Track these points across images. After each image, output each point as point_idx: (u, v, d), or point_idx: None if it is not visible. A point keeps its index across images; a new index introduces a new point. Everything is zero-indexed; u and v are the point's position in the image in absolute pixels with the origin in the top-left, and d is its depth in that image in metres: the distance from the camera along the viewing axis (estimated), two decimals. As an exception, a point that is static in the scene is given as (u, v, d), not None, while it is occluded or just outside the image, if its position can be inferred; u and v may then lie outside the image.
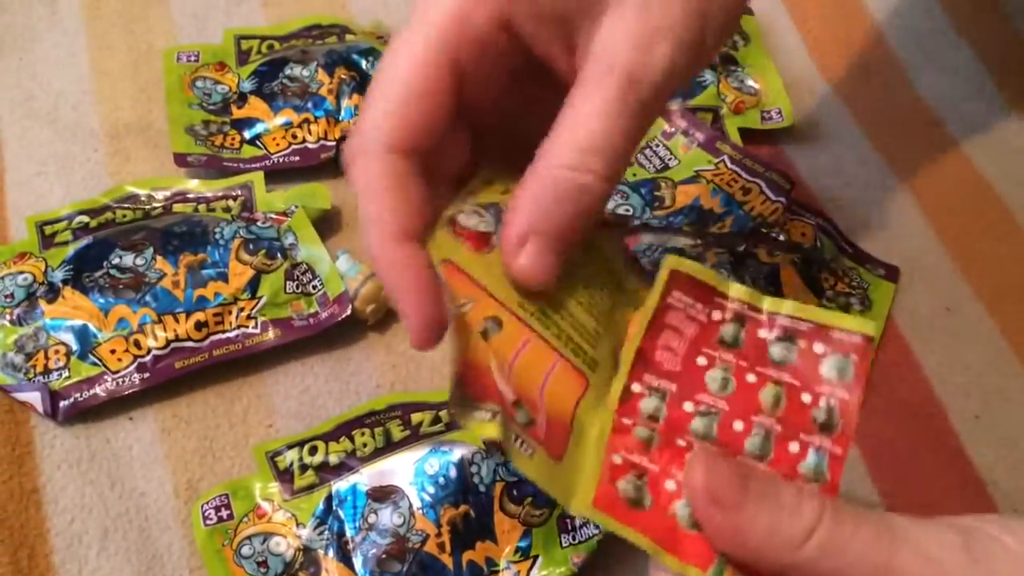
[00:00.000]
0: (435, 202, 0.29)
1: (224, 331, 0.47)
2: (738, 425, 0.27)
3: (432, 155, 0.28)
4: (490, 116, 0.30)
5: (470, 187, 0.30)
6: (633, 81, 0.26)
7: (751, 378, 0.28)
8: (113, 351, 0.46)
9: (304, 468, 0.43)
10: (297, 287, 0.49)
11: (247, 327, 0.47)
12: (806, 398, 0.27)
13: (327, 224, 0.52)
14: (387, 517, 0.42)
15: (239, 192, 0.52)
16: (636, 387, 0.28)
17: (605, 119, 0.26)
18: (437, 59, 0.27)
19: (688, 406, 0.28)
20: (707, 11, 0.27)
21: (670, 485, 0.27)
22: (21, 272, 0.48)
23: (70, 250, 0.48)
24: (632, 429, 0.28)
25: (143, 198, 0.52)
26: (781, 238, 0.52)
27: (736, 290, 0.29)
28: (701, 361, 0.28)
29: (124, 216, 0.51)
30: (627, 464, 0.27)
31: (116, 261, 0.47)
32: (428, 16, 0.28)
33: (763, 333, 0.28)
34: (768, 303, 0.29)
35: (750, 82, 0.58)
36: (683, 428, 0.28)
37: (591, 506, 0.26)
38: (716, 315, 0.29)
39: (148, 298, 0.47)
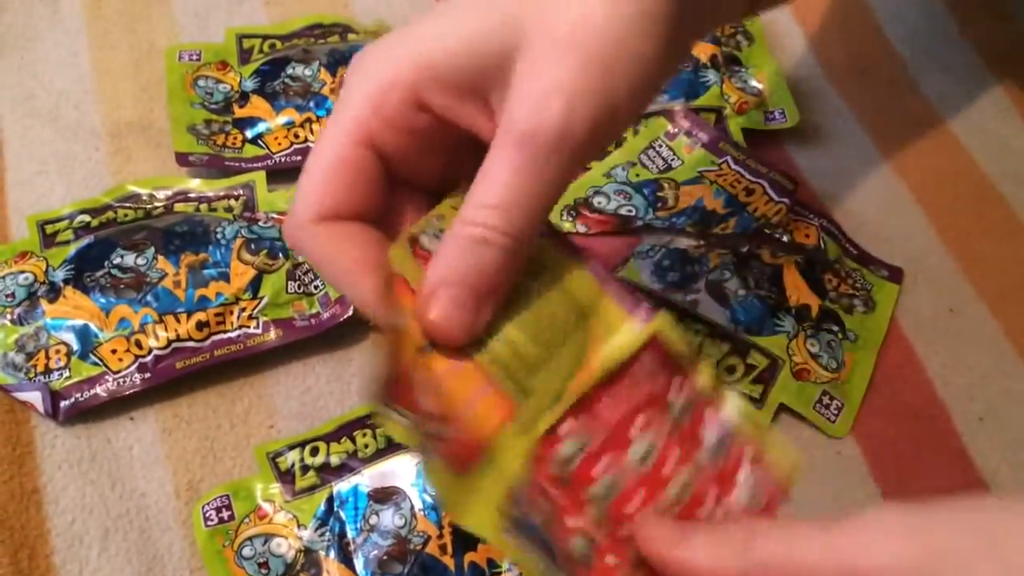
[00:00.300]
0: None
1: (225, 331, 0.47)
2: (635, 502, 0.28)
3: (371, 222, 0.31)
4: (431, 178, 0.32)
5: (439, 209, 0.31)
6: (527, 139, 0.27)
7: (670, 464, 0.29)
8: (114, 351, 0.46)
9: (305, 469, 0.43)
10: (299, 287, 0.48)
11: (249, 327, 0.47)
12: (709, 504, 0.29)
13: (329, 224, 0.52)
14: (389, 518, 0.41)
15: (241, 192, 0.52)
16: (564, 428, 0.29)
17: (503, 177, 0.28)
18: (354, 140, 0.30)
19: (600, 465, 0.29)
20: (610, 64, 0.28)
21: (570, 522, 0.28)
22: (22, 271, 0.48)
23: (71, 249, 0.48)
24: (546, 465, 0.28)
25: (144, 197, 0.52)
26: (785, 239, 0.52)
27: (703, 378, 0.30)
28: (635, 428, 0.29)
29: (125, 215, 0.51)
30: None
31: (117, 261, 0.47)
32: (348, 103, 0.30)
33: (705, 430, 0.29)
34: (726, 405, 0.29)
35: (753, 82, 0.58)
36: (586, 483, 0.28)
37: (495, 531, 0.27)
38: (672, 393, 0.29)
39: (149, 298, 0.46)
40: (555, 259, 0.31)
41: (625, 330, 0.30)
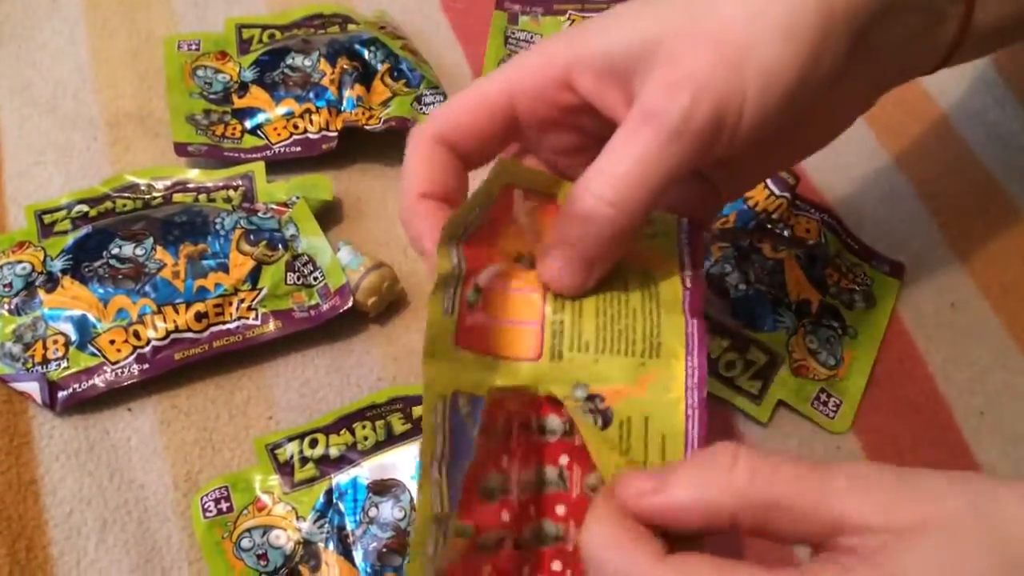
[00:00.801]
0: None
1: (224, 322, 0.46)
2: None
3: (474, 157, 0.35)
4: (551, 152, 0.36)
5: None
6: (651, 121, 0.30)
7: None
8: (112, 341, 0.45)
9: (304, 461, 0.43)
10: (298, 279, 0.48)
11: (247, 318, 0.47)
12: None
13: (328, 215, 0.52)
14: (388, 510, 0.41)
15: (240, 182, 0.52)
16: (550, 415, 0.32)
17: (624, 151, 0.30)
18: (497, 96, 0.33)
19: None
20: (741, 64, 0.30)
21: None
22: (20, 261, 0.47)
23: (69, 239, 0.48)
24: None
25: (143, 188, 0.52)
26: (785, 233, 0.51)
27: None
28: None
29: (124, 206, 0.50)
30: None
31: (116, 251, 0.47)
32: (505, 69, 0.34)
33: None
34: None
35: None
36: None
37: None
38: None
39: (148, 288, 0.46)
40: (667, 255, 0.35)
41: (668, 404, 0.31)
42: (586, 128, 0.34)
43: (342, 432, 0.44)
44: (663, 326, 0.32)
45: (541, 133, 0.35)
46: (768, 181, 0.53)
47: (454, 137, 0.34)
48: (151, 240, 0.47)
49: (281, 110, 0.55)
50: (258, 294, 0.47)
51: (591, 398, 0.31)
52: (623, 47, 0.31)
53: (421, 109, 0.55)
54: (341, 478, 0.42)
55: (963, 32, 0.37)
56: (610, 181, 0.30)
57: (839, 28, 0.31)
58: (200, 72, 0.56)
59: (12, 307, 0.46)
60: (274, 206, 0.51)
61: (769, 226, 0.51)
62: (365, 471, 0.42)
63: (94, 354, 0.45)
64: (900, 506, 0.25)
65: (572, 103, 0.33)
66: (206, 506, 0.42)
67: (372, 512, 0.41)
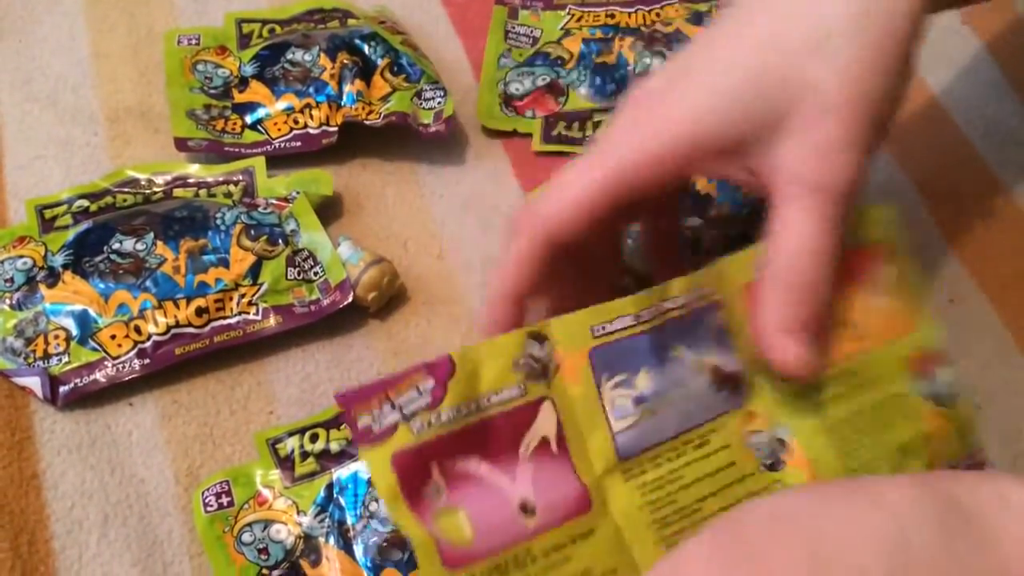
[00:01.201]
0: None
1: (225, 317, 0.47)
2: None
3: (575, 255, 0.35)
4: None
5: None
6: (818, 190, 0.31)
7: None
8: (113, 336, 0.45)
9: (305, 455, 0.43)
10: (298, 273, 0.48)
11: (248, 313, 0.47)
12: None
13: (329, 210, 0.52)
14: None
15: (240, 177, 0.52)
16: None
17: (803, 227, 0.31)
18: (610, 189, 0.33)
19: None
20: (876, 114, 0.31)
21: None
22: (21, 256, 0.48)
23: (70, 234, 0.48)
24: None
25: (143, 183, 0.52)
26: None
27: None
28: None
29: (124, 200, 0.50)
30: None
31: (116, 246, 0.47)
32: (613, 145, 0.33)
33: None
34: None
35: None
36: None
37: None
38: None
39: (148, 283, 0.46)
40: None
41: None
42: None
43: (343, 427, 0.44)
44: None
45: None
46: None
47: (561, 237, 0.33)
48: (152, 235, 0.48)
49: (281, 105, 0.55)
50: (258, 289, 0.47)
51: None
52: (737, 121, 0.32)
53: (421, 104, 0.55)
54: (342, 472, 0.42)
55: None
56: (799, 258, 0.32)
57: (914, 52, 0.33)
58: (200, 67, 0.57)
59: (13, 302, 0.46)
60: (274, 201, 0.51)
61: (763, 215, 0.51)
62: (365, 466, 0.42)
63: (95, 349, 0.45)
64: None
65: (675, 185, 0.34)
66: (207, 500, 0.42)
67: (372, 506, 0.41)
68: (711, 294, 0.34)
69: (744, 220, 0.51)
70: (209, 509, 0.42)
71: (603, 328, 0.32)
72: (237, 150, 0.53)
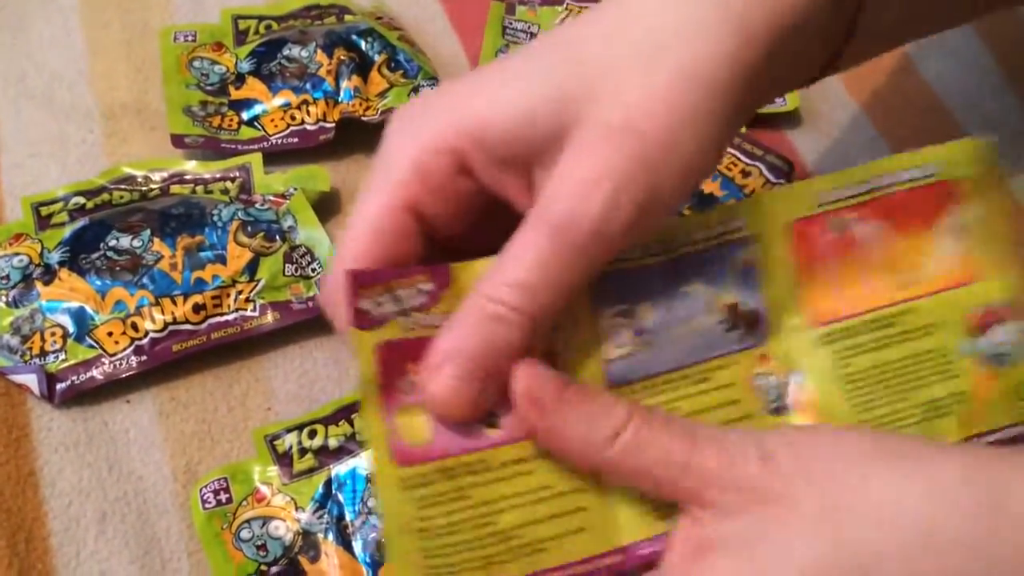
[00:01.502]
0: None
1: (222, 314, 0.46)
2: None
3: None
4: (468, 238, 0.32)
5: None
6: (562, 228, 0.27)
7: None
8: (110, 333, 0.45)
9: (303, 452, 0.43)
10: (296, 270, 0.48)
11: (245, 310, 0.47)
12: None
13: (325, 207, 0.52)
14: None
15: (237, 174, 0.52)
16: None
17: (530, 259, 0.27)
18: (396, 205, 0.30)
19: None
20: (662, 159, 0.28)
21: None
22: (17, 254, 0.47)
23: (66, 231, 0.48)
24: None
25: (140, 179, 0.52)
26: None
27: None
28: None
29: (121, 198, 0.50)
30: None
31: (113, 243, 0.47)
32: (392, 164, 0.30)
33: None
34: None
35: (752, 65, 0.58)
36: None
37: None
38: None
39: (145, 280, 0.46)
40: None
41: None
42: (493, 211, 0.31)
43: (341, 423, 0.44)
44: None
45: (455, 226, 0.32)
46: (763, 168, 0.53)
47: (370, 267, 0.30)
48: (148, 232, 0.47)
49: (278, 101, 0.55)
50: (256, 285, 0.47)
51: None
52: (522, 128, 0.29)
53: (418, 100, 0.55)
54: (340, 469, 0.42)
55: (844, 44, 0.35)
56: (517, 291, 0.27)
57: (747, 103, 0.30)
58: (196, 63, 0.56)
59: (9, 299, 0.46)
60: (272, 197, 0.51)
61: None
62: (364, 461, 0.42)
63: (92, 346, 0.45)
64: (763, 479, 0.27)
65: (470, 190, 0.30)
66: (205, 497, 0.42)
67: (371, 503, 0.41)
68: (740, 228, 0.32)
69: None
70: (207, 506, 0.42)
71: None
72: (234, 146, 0.53)
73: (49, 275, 0.46)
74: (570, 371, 0.31)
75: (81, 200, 0.50)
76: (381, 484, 0.29)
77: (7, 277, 0.47)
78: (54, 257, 0.47)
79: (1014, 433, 0.33)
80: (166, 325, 0.45)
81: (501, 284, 0.28)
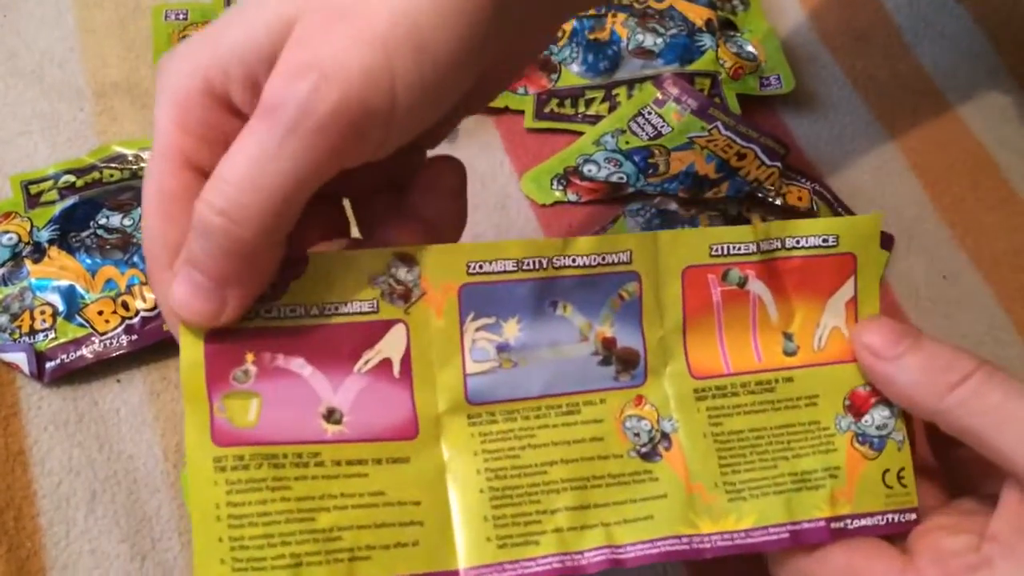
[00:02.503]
0: None
1: (214, 293, 0.46)
2: None
3: None
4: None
5: None
6: (268, 113, 0.25)
7: None
8: (100, 312, 0.45)
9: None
10: (288, 249, 0.48)
11: (237, 289, 0.46)
12: None
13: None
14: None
15: (229, 153, 0.52)
16: None
17: (241, 154, 0.26)
18: (173, 167, 0.28)
19: None
20: (386, 42, 0.25)
21: None
22: (6, 232, 0.47)
23: (56, 209, 0.48)
24: None
25: (130, 158, 0.51)
26: (778, 202, 0.51)
27: None
28: None
29: (111, 176, 0.50)
30: None
31: (103, 221, 0.47)
32: (157, 127, 0.28)
33: None
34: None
35: (749, 48, 0.58)
36: None
37: None
38: None
39: (136, 259, 0.46)
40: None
41: None
42: None
43: None
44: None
45: None
46: (758, 150, 0.52)
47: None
48: (139, 210, 0.47)
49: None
50: (247, 265, 0.47)
51: None
52: (253, 42, 0.26)
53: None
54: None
55: None
56: (222, 187, 0.26)
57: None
58: (188, 42, 0.56)
59: (-1, 277, 0.46)
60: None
61: (760, 195, 0.51)
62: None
63: (82, 325, 0.45)
64: None
65: (238, 126, 0.27)
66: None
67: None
68: (625, 262, 0.32)
69: (741, 202, 0.51)
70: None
71: (479, 267, 0.30)
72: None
73: (39, 253, 0.46)
74: (430, 380, 0.30)
75: (71, 178, 0.50)
76: (192, 462, 0.28)
77: (-4, 255, 0.46)
78: (44, 235, 0.47)
79: (879, 522, 0.32)
80: (156, 304, 0.45)
81: (216, 183, 0.26)
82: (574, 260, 0.31)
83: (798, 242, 0.32)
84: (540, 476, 0.30)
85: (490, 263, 0.30)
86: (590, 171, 0.53)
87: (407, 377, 0.30)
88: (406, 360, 0.30)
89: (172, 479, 0.43)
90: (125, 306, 0.45)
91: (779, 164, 0.52)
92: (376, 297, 0.30)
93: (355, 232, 0.35)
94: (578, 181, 0.52)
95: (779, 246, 0.32)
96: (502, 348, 0.31)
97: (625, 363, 0.32)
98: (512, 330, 0.31)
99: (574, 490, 0.31)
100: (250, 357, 0.29)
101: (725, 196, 0.51)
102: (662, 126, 0.54)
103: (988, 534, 0.28)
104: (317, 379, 0.29)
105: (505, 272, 0.31)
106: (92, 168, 0.50)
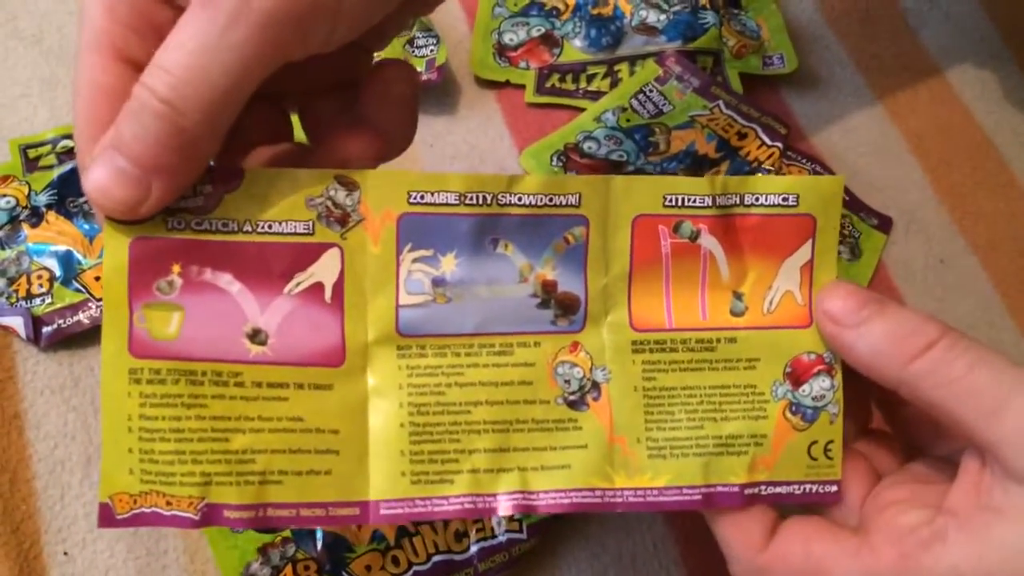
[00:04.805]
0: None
1: (211, 261, 0.46)
2: None
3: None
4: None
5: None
6: (212, 1, 0.24)
7: None
8: (97, 278, 0.45)
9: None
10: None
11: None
12: None
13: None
14: None
15: (228, 121, 0.51)
16: None
17: (178, 39, 0.25)
18: (104, 59, 0.27)
19: None
20: None
21: None
22: (4, 195, 0.47)
23: (54, 174, 0.47)
24: None
25: (130, 124, 0.51)
26: (777, 184, 0.51)
27: None
28: None
29: (110, 142, 0.50)
30: None
31: (101, 187, 0.47)
32: (85, 16, 0.27)
33: None
34: None
35: (753, 26, 0.57)
36: None
37: None
38: None
39: (134, 225, 0.46)
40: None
41: None
42: None
43: None
44: None
45: None
46: (759, 130, 0.52)
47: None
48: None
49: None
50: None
51: None
52: None
53: (413, 52, 0.54)
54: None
55: None
56: (164, 76, 0.25)
57: None
58: (189, 8, 0.55)
59: (-4, 241, 0.46)
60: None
61: (760, 175, 0.51)
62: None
63: (79, 290, 0.45)
64: None
65: (172, 15, 0.26)
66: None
67: None
68: (573, 205, 0.31)
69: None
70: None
71: (421, 197, 0.30)
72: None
73: (36, 217, 0.46)
74: (361, 308, 0.29)
75: (70, 143, 0.49)
76: (106, 372, 0.27)
77: (-6, 219, 0.46)
78: (42, 199, 0.46)
79: (795, 491, 0.31)
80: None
81: (153, 68, 0.25)
82: (520, 198, 0.30)
83: (757, 199, 0.31)
84: (463, 416, 0.30)
85: (432, 194, 0.30)
86: (590, 148, 0.52)
87: (338, 303, 0.29)
88: (339, 286, 0.29)
89: (167, 445, 0.43)
90: (122, 272, 0.45)
91: (780, 144, 0.52)
92: (312, 219, 0.29)
93: (301, 138, 0.34)
94: (577, 158, 0.52)
95: (736, 202, 0.31)
96: (438, 282, 0.30)
97: (564, 308, 0.31)
98: (449, 264, 0.30)
99: (495, 432, 0.30)
100: (176, 268, 0.28)
101: (724, 176, 0.51)
102: (663, 104, 0.54)
103: (944, 507, 0.28)
104: (244, 297, 0.28)
105: (447, 204, 0.30)
106: (91, 133, 0.50)
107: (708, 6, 0.57)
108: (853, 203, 0.53)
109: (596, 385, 0.31)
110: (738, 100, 0.54)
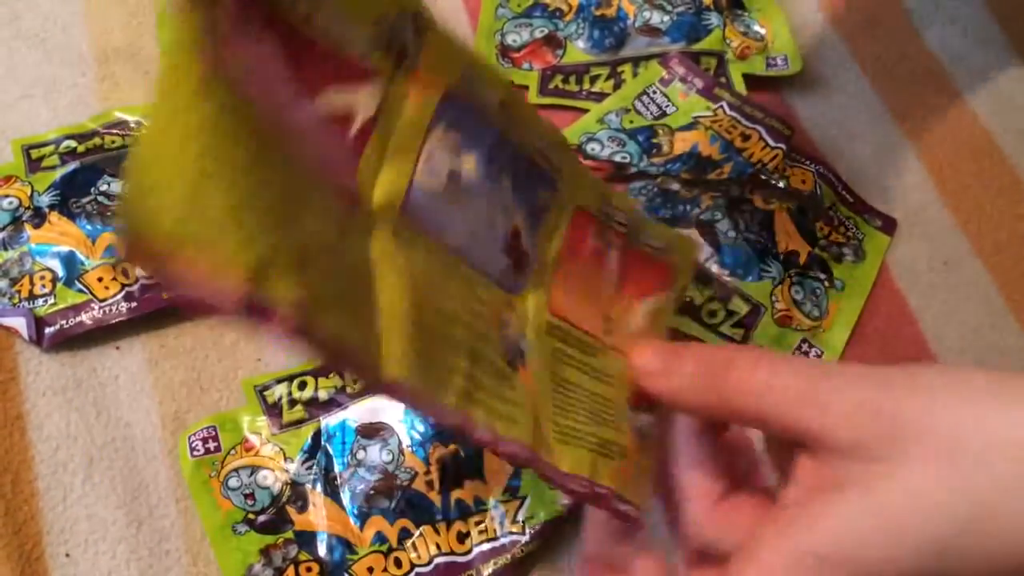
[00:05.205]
0: None
1: (214, 262, 0.46)
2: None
3: None
4: None
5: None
6: None
7: None
8: (100, 279, 0.45)
9: (293, 403, 0.43)
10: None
11: (237, 259, 0.46)
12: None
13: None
14: (376, 454, 0.41)
15: (231, 122, 0.51)
16: None
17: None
18: None
19: None
20: None
21: None
22: (7, 196, 0.47)
23: (57, 175, 0.47)
24: None
25: (132, 125, 0.51)
26: (780, 184, 0.51)
27: None
28: None
29: (112, 142, 0.50)
30: None
31: (104, 187, 0.47)
32: None
33: None
34: None
35: (756, 27, 0.57)
36: None
37: None
38: None
39: (137, 226, 0.46)
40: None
41: None
42: None
43: (331, 375, 0.44)
44: None
45: None
46: (762, 131, 0.52)
47: None
48: (140, 178, 0.47)
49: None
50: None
51: None
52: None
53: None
54: (330, 420, 0.42)
55: None
56: None
57: None
58: (192, 9, 0.55)
59: (-1, 242, 0.46)
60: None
61: (764, 177, 0.51)
62: (353, 414, 0.42)
63: (81, 291, 0.45)
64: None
65: None
66: (193, 445, 0.42)
67: (360, 455, 0.41)
68: (557, 168, 0.30)
69: (744, 184, 0.51)
70: (196, 453, 0.42)
71: (471, 84, 0.27)
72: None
73: (39, 218, 0.46)
74: (377, 165, 0.25)
75: (72, 144, 0.49)
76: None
77: (-4, 219, 0.46)
78: (44, 200, 0.46)
79: (626, 510, 0.30)
80: (157, 272, 0.45)
81: None
82: (537, 137, 0.30)
83: (646, 237, 0.33)
84: (449, 327, 0.26)
85: (481, 85, 0.28)
86: (593, 150, 0.52)
87: (360, 145, 0.25)
88: (366, 129, 0.25)
89: (169, 446, 0.43)
90: (125, 273, 0.45)
91: (783, 146, 0.52)
92: (371, 37, 0.25)
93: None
94: (581, 159, 0.52)
95: (640, 236, 0.33)
96: (453, 176, 0.27)
97: (517, 263, 0.29)
98: (469, 164, 0.27)
99: (469, 360, 0.27)
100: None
101: (728, 177, 0.51)
102: (667, 105, 0.54)
103: (782, 503, 0.28)
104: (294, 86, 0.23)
105: (487, 105, 0.28)
106: (94, 134, 0.50)
107: (712, 7, 0.56)
108: (857, 205, 0.53)
109: (521, 352, 0.29)
110: (741, 101, 0.54)
